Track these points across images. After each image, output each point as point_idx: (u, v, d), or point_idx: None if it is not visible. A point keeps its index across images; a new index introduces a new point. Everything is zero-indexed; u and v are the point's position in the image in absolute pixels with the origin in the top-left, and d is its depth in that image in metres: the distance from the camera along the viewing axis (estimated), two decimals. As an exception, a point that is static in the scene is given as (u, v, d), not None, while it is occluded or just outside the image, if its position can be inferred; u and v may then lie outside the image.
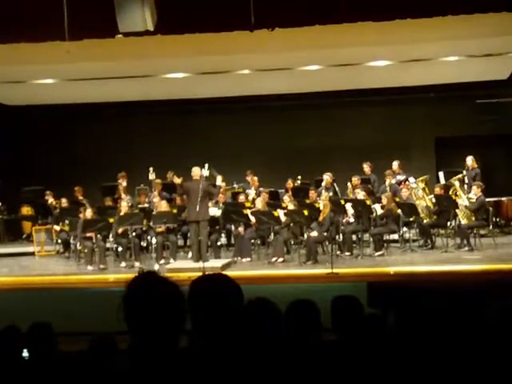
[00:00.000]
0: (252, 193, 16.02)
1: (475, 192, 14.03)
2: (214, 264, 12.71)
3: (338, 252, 13.89)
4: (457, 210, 14.04)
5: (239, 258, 13.89)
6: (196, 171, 13.31)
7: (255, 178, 16.62)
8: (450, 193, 14.45)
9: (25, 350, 5.00)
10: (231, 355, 2.75)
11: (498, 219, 15.46)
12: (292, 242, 14.33)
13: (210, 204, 13.88)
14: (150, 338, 2.50)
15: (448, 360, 3.93)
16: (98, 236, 13.96)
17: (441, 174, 16.32)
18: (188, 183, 13.31)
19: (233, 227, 14.82)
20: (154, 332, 2.49)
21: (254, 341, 3.14)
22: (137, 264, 13.63)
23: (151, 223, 14.29)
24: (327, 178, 15.51)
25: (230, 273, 11.55)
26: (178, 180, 13.41)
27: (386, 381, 3.87)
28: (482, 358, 3.95)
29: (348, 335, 4.38)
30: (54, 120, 19.33)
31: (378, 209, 14.22)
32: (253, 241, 14.41)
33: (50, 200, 16.76)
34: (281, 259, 13.46)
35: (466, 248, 13.59)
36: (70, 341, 5.86)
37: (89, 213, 14.29)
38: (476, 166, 15.77)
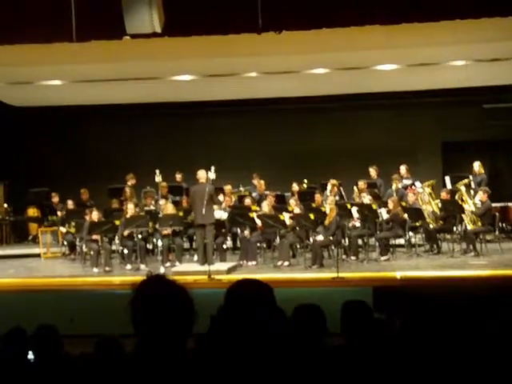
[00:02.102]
0: (258, 196, 15.98)
1: (481, 197, 14.00)
2: (219, 267, 12.71)
3: (344, 256, 13.84)
4: (463, 215, 14.02)
5: (245, 262, 13.86)
6: (202, 174, 13.27)
7: (262, 182, 16.58)
8: (456, 198, 14.41)
9: (30, 352, 5.00)
10: (237, 358, 2.75)
11: (504, 225, 15.40)
12: (298, 246, 14.30)
13: (215, 207, 13.87)
14: (158, 341, 2.49)
15: (454, 364, 3.92)
16: (104, 238, 13.97)
17: (447, 179, 16.28)
18: (194, 187, 13.29)
19: (239, 230, 14.81)
20: (162, 335, 2.49)
21: (258, 344, 3.13)
22: (142, 266, 13.62)
23: (157, 226, 14.30)
24: (333, 184, 15.46)
25: (235, 276, 11.56)
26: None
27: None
28: (487, 361, 3.94)
29: (358, 339, 4.36)
30: (60, 121, 19.33)
31: (384, 213, 14.20)
32: (259, 244, 14.38)
33: (55, 203, 16.76)
34: (286, 263, 13.43)
35: (472, 253, 13.56)
36: (75, 343, 5.86)
37: (95, 215, 14.30)
38: (483, 171, 15.75)
